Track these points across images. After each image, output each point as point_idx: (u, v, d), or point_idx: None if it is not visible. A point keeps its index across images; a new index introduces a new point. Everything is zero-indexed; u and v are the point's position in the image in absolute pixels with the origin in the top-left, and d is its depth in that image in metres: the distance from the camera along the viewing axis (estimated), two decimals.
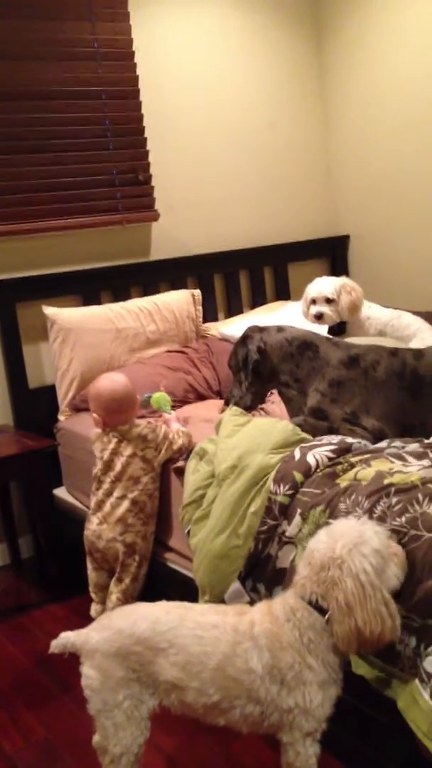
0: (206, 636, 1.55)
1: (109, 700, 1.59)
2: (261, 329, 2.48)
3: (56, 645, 1.67)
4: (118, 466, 2.49)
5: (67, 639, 1.66)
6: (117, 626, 1.61)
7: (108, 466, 2.51)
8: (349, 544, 1.47)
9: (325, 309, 3.05)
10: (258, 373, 2.43)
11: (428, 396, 2.29)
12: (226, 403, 2.55)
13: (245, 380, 2.45)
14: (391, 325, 3.14)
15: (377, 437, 2.25)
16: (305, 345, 2.41)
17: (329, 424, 2.30)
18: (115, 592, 2.51)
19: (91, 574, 2.60)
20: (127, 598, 2.50)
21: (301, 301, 3.19)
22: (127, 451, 2.49)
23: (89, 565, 2.60)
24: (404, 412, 2.30)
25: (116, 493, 2.49)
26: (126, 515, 2.47)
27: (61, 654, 1.67)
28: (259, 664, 1.52)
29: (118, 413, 2.51)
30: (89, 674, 1.61)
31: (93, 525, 2.51)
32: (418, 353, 2.38)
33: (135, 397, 2.54)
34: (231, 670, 1.53)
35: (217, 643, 1.54)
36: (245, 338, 2.49)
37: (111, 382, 2.53)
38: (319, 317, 3.06)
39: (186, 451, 2.50)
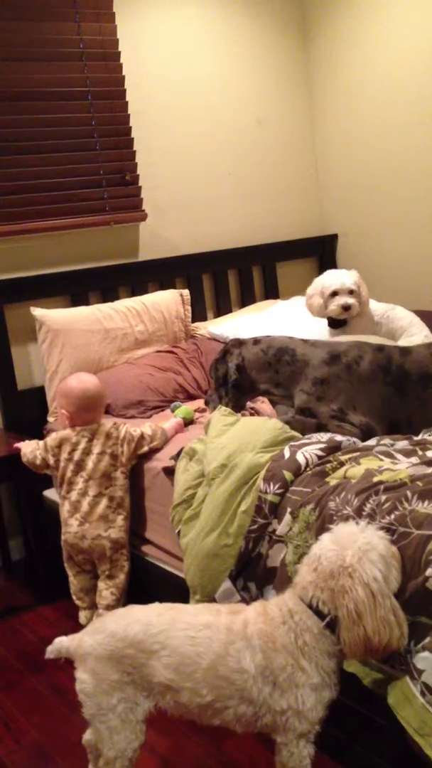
0: (198, 636, 1.55)
1: (104, 704, 1.58)
2: (240, 343, 2.50)
3: (51, 650, 1.66)
4: (89, 464, 2.53)
5: (60, 644, 1.66)
6: (109, 629, 1.60)
7: (79, 466, 2.54)
8: (359, 553, 1.47)
9: (353, 300, 3.02)
10: (238, 388, 2.47)
11: (414, 392, 2.31)
12: (206, 404, 2.62)
13: (225, 396, 2.49)
14: (387, 317, 3.15)
15: (365, 433, 2.26)
16: (281, 351, 2.43)
17: (318, 421, 2.31)
18: (106, 588, 2.51)
19: (74, 580, 2.60)
20: (121, 593, 2.52)
21: (309, 295, 3.13)
22: (96, 449, 2.54)
23: (70, 572, 2.61)
24: (391, 407, 2.31)
25: (91, 492, 2.52)
26: (106, 512, 2.51)
27: (56, 659, 1.67)
28: (251, 664, 1.52)
29: (87, 411, 2.57)
30: (83, 678, 1.61)
31: (74, 527, 2.52)
32: (405, 350, 2.39)
33: (104, 397, 2.63)
34: (223, 670, 1.53)
35: (209, 643, 1.54)
36: (225, 354, 2.52)
37: (81, 381, 2.59)
38: (347, 308, 3.02)
39: (150, 440, 2.58)
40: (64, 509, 2.56)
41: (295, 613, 1.52)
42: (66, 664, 2.47)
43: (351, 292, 3.04)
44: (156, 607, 1.66)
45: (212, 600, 2.03)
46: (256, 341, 2.48)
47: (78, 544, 2.52)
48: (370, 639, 1.43)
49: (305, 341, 2.47)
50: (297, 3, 4.10)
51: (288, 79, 4.13)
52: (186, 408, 2.85)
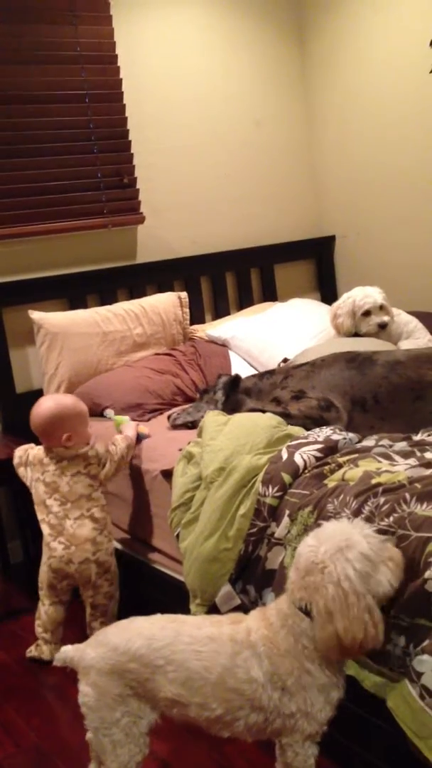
0: (204, 650, 1.53)
1: (107, 718, 1.57)
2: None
3: (57, 659, 1.65)
4: (64, 487, 2.45)
5: (66, 654, 1.64)
6: (112, 643, 1.58)
7: (53, 488, 2.46)
8: (333, 549, 1.45)
9: (387, 318, 3.08)
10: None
11: (378, 373, 2.43)
12: (200, 395, 2.75)
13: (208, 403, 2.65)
14: (395, 323, 3.16)
15: (323, 407, 2.36)
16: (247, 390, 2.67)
17: (282, 409, 2.40)
18: (93, 619, 2.49)
19: (49, 610, 2.50)
20: (110, 619, 2.47)
21: (336, 315, 3.14)
22: (70, 470, 2.46)
23: (46, 601, 2.51)
24: (351, 386, 2.43)
25: (73, 514, 2.43)
26: (93, 534, 2.43)
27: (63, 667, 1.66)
28: (259, 672, 1.50)
29: (49, 436, 2.47)
30: (85, 691, 1.59)
31: (58, 551, 2.42)
32: (376, 352, 2.55)
33: (66, 418, 2.46)
34: (232, 682, 1.51)
35: (216, 657, 1.52)
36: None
37: (37, 406, 2.49)
38: (384, 327, 3.07)
39: (128, 456, 2.54)
40: (45, 532, 2.47)
41: (288, 617, 1.51)
42: (65, 668, 2.48)
43: (381, 308, 3.06)
44: (158, 619, 1.63)
45: (212, 603, 2.03)
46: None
47: (63, 568, 2.43)
48: (341, 638, 1.41)
49: (263, 376, 2.69)
50: (294, 5, 4.10)
51: (285, 81, 4.13)
52: (118, 419, 2.77)
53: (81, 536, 2.42)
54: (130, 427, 2.66)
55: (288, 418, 2.34)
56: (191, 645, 1.54)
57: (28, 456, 2.54)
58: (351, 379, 2.45)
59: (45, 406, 2.48)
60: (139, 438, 2.66)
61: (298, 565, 1.51)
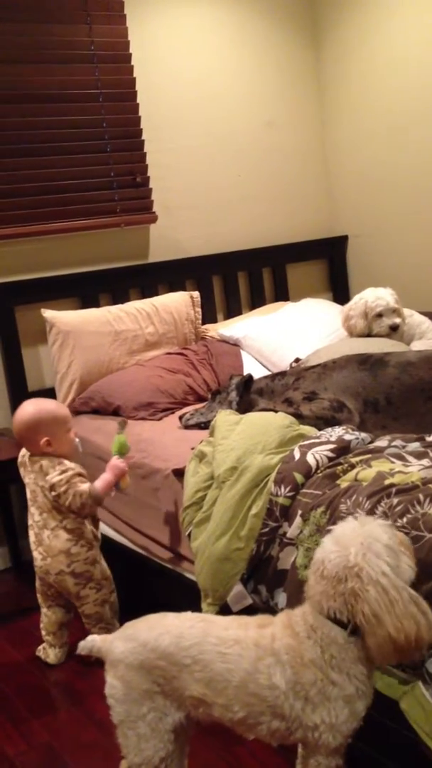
0: (229, 652, 1.52)
1: (133, 712, 1.57)
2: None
3: (83, 647, 1.65)
4: (39, 496, 2.42)
5: (93, 643, 1.63)
6: (141, 638, 1.57)
7: (33, 496, 2.44)
8: (363, 549, 1.39)
9: (399, 320, 3.08)
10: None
11: (390, 374, 2.43)
12: (213, 395, 2.73)
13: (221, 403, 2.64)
14: (407, 324, 3.15)
15: (335, 408, 2.37)
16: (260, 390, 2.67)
17: (294, 409, 2.39)
18: (90, 626, 2.47)
19: (48, 613, 2.51)
20: (110, 622, 2.47)
21: (348, 317, 3.14)
22: (40, 481, 2.42)
23: (43, 605, 2.52)
24: (364, 387, 2.43)
25: (50, 524, 2.41)
26: (67, 545, 2.39)
27: (88, 655, 1.66)
28: (282, 680, 1.47)
29: (28, 442, 2.44)
30: (113, 684, 1.58)
31: (38, 561, 2.43)
32: (388, 353, 2.53)
33: (45, 423, 2.40)
34: (254, 687, 1.49)
35: (239, 661, 1.50)
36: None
37: (18, 411, 2.44)
38: (395, 329, 3.06)
39: (78, 510, 2.36)
40: (30, 539, 2.47)
41: (317, 628, 1.47)
42: (77, 665, 2.49)
43: (394, 311, 3.06)
44: (187, 617, 1.61)
45: (224, 603, 2.03)
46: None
47: (44, 578, 2.44)
48: (395, 639, 1.34)
49: (272, 378, 2.70)
50: (307, 5, 4.10)
51: (298, 81, 4.12)
52: (119, 440, 2.44)
53: (55, 548, 2.39)
54: (113, 468, 2.40)
55: (300, 418, 2.34)
56: (217, 646, 1.53)
57: (26, 457, 2.51)
58: (363, 381, 2.45)
59: (24, 411, 2.43)
60: (117, 486, 2.42)
61: (325, 572, 1.44)
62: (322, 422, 2.34)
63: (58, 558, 2.39)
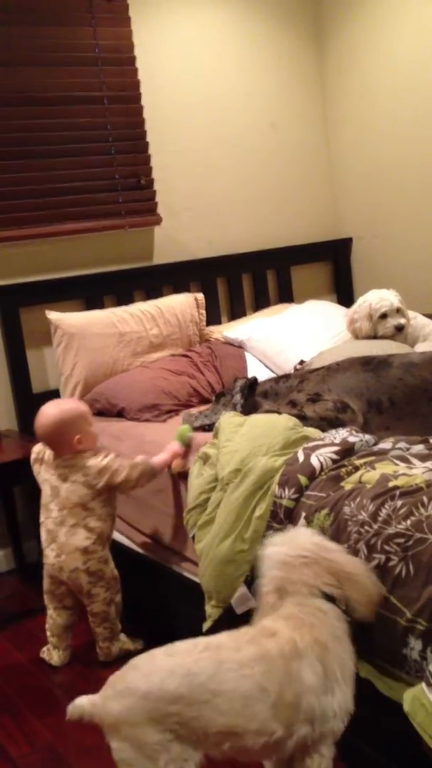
0: (255, 672, 1.44)
1: None
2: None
3: (72, 712, 1.50)
4: (63, 492, 2.42)
5: (82, 708, 1.48)
6: (140, 690, 1.42)
7: (55, 492, 2.44)
8: (308, 536, 1.64)
9: (404, 320, 3.07)
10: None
11: (393, 375, 2.45)
12: (217, 398, 2.71)
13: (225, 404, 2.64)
14: (411, 326, 3.14)
15: (338, 408, 2.37)
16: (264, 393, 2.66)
17: (297, 411, 2.39)
18: (96, 625, 2.47)
19: (53, 615, 2.51)
20: (113, 623, 2.47)
21: (353, 319, 3.14)
22: (70, 477, 2.42)
23: (49, 605, 2.52)
24: (367, 388, 2.44)
25: (69, 522, 2.41)
26: (84, 543, 2.40)
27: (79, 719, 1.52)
28: (314, 678, 1.45)
29: (58, 443, 2.44)
30: (120, 748, 1.43)
31: (50, 558, 2.43)
32: (391, 355, 2.55)
33: (72, 421, 2.42)
34: (291, 697, 1.43)
35: (271, 675, 1.44)
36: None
37: (40, 416, 2.45)
38: (401, 329, 3.06)
39: (138, 482, 2.42)
40: (42, 537, 2.48)
41: (319, 608, 1.55)
42: (80, 668, 2.49)
43: (398, 311, 3.05)
44: (185, 650, 1.48)
45: (227, 605, 2.03)
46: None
47: (57, 575, 2.45)
48: (372, 593, 1.56)
49: (277, 379, 2.70)
50: (311, 5, 4.10)
51: (302, 82, 4.13)
52: (182, 429, 2.56)
53: (71, 545, 2.40)
54: (169, 450, 2.49)
55: (304, 420, 2.34)
56: (239, 671, 1.44)
57: (44, 454, 2.53)
58: (366, 382, 2.46)
59: (48, 414, 2.43)
60: (169, 467, 2.51)
61: (295, 562, 1.59)
62: (326, 423, 2.34)
63: (74, 555, 2.40)
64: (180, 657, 1.46)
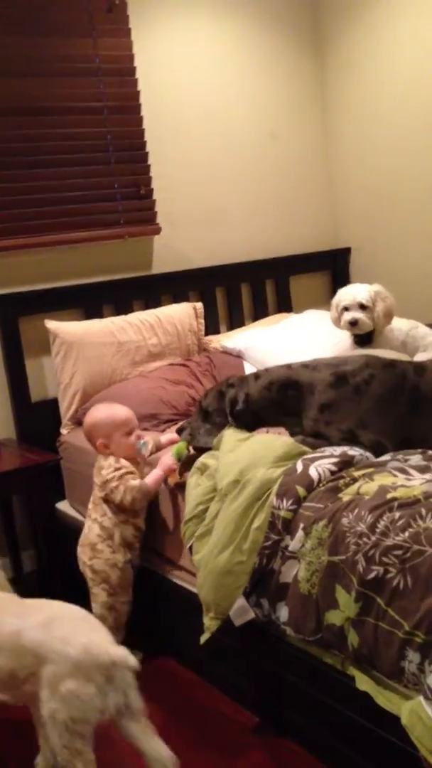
0: None
1: None
2: (240, 381, 2.43)
3: None
4: (94, 487, 2.55)
5: None
6: None
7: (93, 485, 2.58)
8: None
9: (360, 315, 2.99)
10: (237, 418, 2.38)
11: (428, 412, 2.24)
12: (179, 432, 2.54)
13: (216, 422, 2.44)
14: (411, 335, 3.13)
15: (376, 451, 2.19)
16: (285, 385, 2.33)
17: (329, 444, 2.23)
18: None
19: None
20: (115, 632, 2.42)
21: (332, 308, 3.14)
22: (95, 475, 2.54)
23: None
24: (403, 426, 2.24)
25: (92, 515, 2.52)
26: (95, 540, 2.48)
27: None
28: None
29: (89, 443, 2.60)
30: None
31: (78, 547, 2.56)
32: (420, 368, 2.31)
33: (99, 426, 2.53)
34: None
35: None
36: (228, 387, 2.44)
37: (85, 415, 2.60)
38: (354, 324, 3.01)
39: (129, 505, 2.45)
40: None
41: None
42: None
43: (363, 307, 3.01)
44: None
45: (226, 617, 2.02)
46: (256, 376, 2.40)
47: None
48: None
49: (305, 366, 2.37)
50: (310, 16, 4.12)
51: (301, 92, 4.14)
52: (179, 447, 2.51)
53: (87, 538, 2.51)
54: (162, 464, 2.49)
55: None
56: None
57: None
58: (402, 418, 2.23)
59: (88, 414, 2.60)
60: (165, 482, 2.52)
61: None
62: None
63: (85, 549, 2.50)
64: None
